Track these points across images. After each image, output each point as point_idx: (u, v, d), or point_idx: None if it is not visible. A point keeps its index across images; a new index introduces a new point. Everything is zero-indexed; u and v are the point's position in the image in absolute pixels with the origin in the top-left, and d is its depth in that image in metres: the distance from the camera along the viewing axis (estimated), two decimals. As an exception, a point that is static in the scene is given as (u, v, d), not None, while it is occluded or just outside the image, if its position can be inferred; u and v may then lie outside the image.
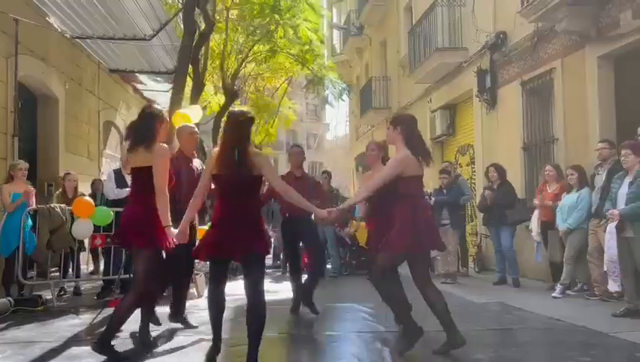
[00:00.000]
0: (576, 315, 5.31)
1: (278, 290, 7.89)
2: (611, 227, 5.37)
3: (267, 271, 10.92)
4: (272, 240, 11.74)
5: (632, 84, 6.72)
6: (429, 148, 4.29)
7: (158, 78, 12.06)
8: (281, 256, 10.84)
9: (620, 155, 5.50)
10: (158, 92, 13.33)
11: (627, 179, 5.30)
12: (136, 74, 11.96)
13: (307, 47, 13.02)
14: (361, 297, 6.34)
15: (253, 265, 3.63)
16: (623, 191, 5.29)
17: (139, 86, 13.52)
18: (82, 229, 6.32)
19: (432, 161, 4.32)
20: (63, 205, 6.54)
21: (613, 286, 5.75)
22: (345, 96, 17.48)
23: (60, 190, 7.37)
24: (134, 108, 13.97)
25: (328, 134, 45.96)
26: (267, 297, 6.06)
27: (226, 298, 3.91)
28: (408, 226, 3.93)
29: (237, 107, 17.61)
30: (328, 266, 9.78)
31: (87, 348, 4.27)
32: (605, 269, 5.76)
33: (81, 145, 10.82)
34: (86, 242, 7.08)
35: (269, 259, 11.45)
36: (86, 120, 11.05)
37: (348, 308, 6.09)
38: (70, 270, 7.01)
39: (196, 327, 4.97)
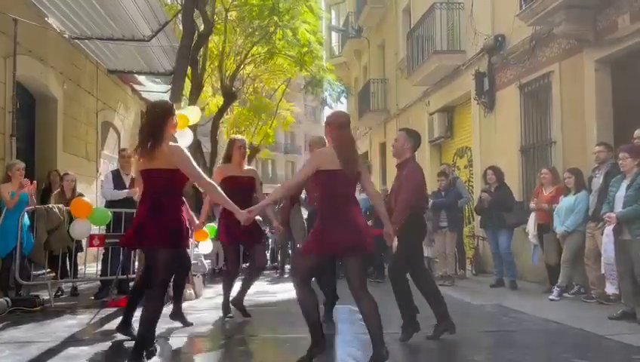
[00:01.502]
0: (573, 318, 5.32)
1: (276, 291, 7.90)
2: (609, 230, 5.38)
3: (264, 272, 10.97)
4: (270, 241, 11.76)
5: (630, 88, 6.75)
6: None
7: (157, 79, 12.04)
8: (279, 258, 10.84)
9: (617, 158, 5.52)
10: (156, 93, 13.31)
11: (625, 183, 5.32)
12: (135, 75, 11.94)
13: (306, 48, 13.04)
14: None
15: None
16: (620, 194, 5.30)
17: (137, 87, 13.49)
18: (80, 229, 6.32)
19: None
20: (60, 205, 6.54)
21: (610, 289, 5.75)
22: (343, 98, 17.53)
23: (59, 190, 7.36)
24: (133, 109, 13.97)
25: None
26: (263, 298, 6.01)
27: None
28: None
29: (235, 108, 17.60)
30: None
31: (85, 348, 4.28)
32: (603, 272, 5.77)
33: (79, 145, 10.81)
34: (84, 242, 7.07)
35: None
36: (84, 120, 11.04)
37: (345, 309, 6.09)
38: (68, 270, 7.01)
39: (191, 324, 5.09)
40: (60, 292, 7.06)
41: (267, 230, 11.33)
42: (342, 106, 23.63)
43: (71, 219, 6.39)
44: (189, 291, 6.90)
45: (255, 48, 13.92)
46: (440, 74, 11.55)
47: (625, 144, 5.63)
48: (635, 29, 6.31)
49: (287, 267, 10.46)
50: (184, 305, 6.37)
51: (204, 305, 6.47)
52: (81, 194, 7.18)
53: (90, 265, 7.61)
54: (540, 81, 8.37)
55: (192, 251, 7.26)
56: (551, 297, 6.54)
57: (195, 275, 7.23)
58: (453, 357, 4.10)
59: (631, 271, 5.12)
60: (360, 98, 18.31)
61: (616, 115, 7.01)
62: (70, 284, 7.19)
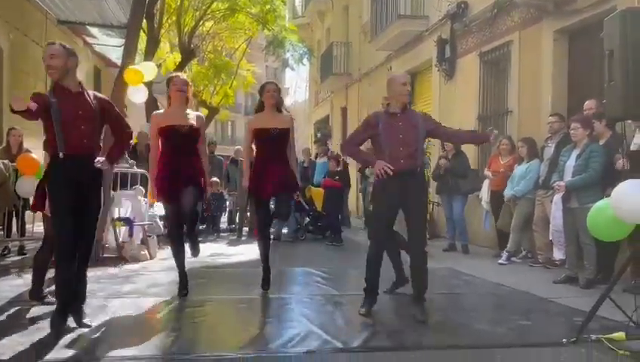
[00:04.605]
0: (520, 281, 5.53)
1: (232, 254, 7.89)
2: (557, 198, 5.56)
3: (222, 234, 10.91)
4: (227, 203, 11.67)
5: (585, 60, 6.88)
6: None
7: (111, 32, 11.50)
8: (237, 220, 10.78)
9: (569, 129, 5.65)
10: (110, 47, 12.76)
11: (575, 152, 5.47)
12: (87, 27, 11.36)
13: (268, 6, 12.69)
14: (316, 261, 6.40)
15: None
16: (570, 163, 5.45)
17: (90, 40, 12.89)
18: (27, 187, 6.05)
19: None
20: (6, 161, 6.23)
21: (558, 255, 5.99)
22: (305, 61, 17.25)
23: (4, 145, 7.02)
24: (85, 64, 13.35)
25: (288, 99, 45.44)
26: (219, 260, 5.96)
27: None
28: None
29: (193, 66, 17.10)
30: (285, 230, 9.80)
31: (31, 309, 4.16)
32: (551, 238, 5.99)
33: (27, 99, 10.29)
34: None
35: (223, 224, 11.39)
36: (32, 73, 10.49)
37: (302, 271, 6.15)
38: (15, 229, 6.76)
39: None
40: (6, 251, 6.82)
41: (225, 191, 11.23)
42: (304, 69, 23.33)
43: (17, 177, 6.12)
44: (142, 252, 6.80)
45: (215, 4, 13.45)
46: (403, 39, 11.48)
47: (577, 114, 5.77)
48: (593, 1, 6.38)
49: (245, 229, 10.42)
50: (137, 266, 6.31)
51: (158, 266, 6.39)
52: (28, 150, 6.87)
53: (38, 223, 7.35)
54: (500, 50, 8.44)
55: (146, 212, 7.12)
56: (500, 261, 6.76)
57: (149, 236, 7.11)
58: (403, 317, 4.19)
59: (577, 238, 5.32)
60: (322, 61, 18.08)
61: (571, 85, 7.16)
62: (17, 243, 6.94)
